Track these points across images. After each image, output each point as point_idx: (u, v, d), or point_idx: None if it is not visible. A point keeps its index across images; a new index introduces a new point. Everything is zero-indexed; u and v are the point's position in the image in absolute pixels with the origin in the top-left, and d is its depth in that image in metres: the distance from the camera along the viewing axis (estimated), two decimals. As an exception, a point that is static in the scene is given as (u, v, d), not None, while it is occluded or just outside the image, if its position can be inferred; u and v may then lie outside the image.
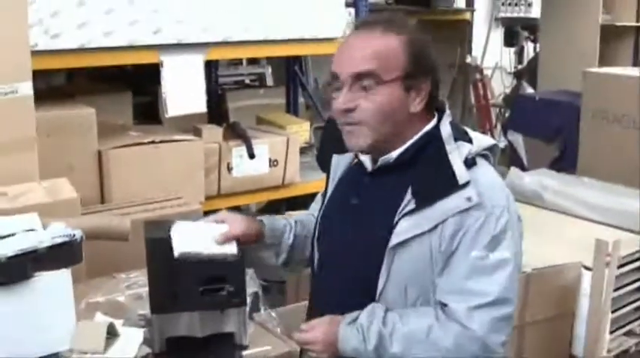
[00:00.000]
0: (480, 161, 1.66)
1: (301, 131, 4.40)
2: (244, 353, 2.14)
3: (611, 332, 3.61)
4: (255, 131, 4.14)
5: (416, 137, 1.68)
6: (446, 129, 1.67)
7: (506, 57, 7.65)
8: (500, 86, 7.64)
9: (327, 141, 1.90)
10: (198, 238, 1.83)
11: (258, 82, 5.92)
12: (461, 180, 1.58)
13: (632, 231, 3.85)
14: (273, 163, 3.98)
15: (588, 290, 3.46)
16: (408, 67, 1.62)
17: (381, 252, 1.63)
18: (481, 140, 1.69)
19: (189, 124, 3.90)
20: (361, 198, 1.74)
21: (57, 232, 1.80)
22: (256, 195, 4.03)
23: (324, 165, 1.89)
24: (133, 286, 2.52)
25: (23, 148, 2.71)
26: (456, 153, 1.63)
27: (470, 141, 1.67)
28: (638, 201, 4.16)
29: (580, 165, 5.15)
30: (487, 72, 7.42)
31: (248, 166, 3.88)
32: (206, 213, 3.26)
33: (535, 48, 7.25)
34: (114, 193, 3.37)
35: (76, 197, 2.67)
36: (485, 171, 1.65)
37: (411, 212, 1.60)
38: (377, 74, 1.60)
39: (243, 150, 3.86)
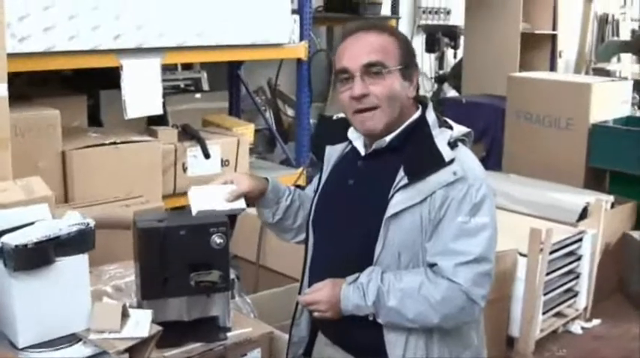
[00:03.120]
0: (460, 144, 1.91)
1: (247, 132, 4.56)
2: (229, 334, 2.31)
3: (543, 313, 3.93)
4: (204, 133, 4.28)
5: (405, 124, 1.92)
6: (431, 117, 1.93)
7: (427, 63, 7.97)
8: (421, 90, 7.93)
9: (321, 134, 2.11)
10: (211, 198, 2.02)
11: (193, 87, 6.03)
12: (447, 158, 1.83)
13: (556, 221, 4.18)
14: (224, 163, 4.15)
15: (523, 274, 3.76)
16: (403, 59, 1.89)
17: (378, 223, 1.84)
18: (460, 127, 1.95)
19: (131, 127, 3.98)
20: (357, 179, 1.97)
21: (74, 220, 1.94)
22: (209, 194, 4.15)
23: (320, 156, 2.12)
24: (113, 278, 2.65)
25: (-2, 148, 2.79)
26: (441, 137, 1.88)
27: (450, 127, 1.93)
28: (562, 194, 4.52)
29: (505, 162, 5.51)
30: (410, 77, 7.68)
31: (202, 166, 4.04)
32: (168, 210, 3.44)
33: (455, 54, 7.60)
34: (76, 192, 3.47)
35: (51, 195, 2.77)
36: (465, 151, 1.91)
37: (405, 186, 1.83)
38: (383, 63, 1.85)
39: (197, 150, 4.02)
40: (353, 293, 1.85)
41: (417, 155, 1.86)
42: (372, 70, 1.85)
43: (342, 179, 2.00)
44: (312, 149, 2.07)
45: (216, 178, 2.08)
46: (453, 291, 1.80)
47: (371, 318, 1.86)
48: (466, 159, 1.86)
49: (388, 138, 1.91)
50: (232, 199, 2.00)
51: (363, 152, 1.97)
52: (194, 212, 2.00)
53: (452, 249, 1.80)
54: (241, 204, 2.01)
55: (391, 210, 1.82)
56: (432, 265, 1.83)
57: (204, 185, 2.07)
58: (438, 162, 1.82)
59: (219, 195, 2.01)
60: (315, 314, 1.93)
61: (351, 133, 2.00)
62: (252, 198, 2.06)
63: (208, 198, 2.01)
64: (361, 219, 1.89)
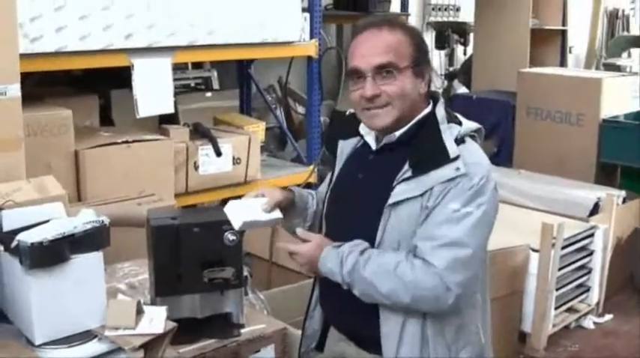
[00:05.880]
0: (468, 140, 1.92)
1: (259, 130, 4.58)
2: (242, 331, 2.32)
3: (556, 309, 3.93)
4: (215, 131, 4.30)
5: (415, 120, 1.94)
6: (440, 113, 1.94)
7: (437, 59, 7.95)
8: (432, 87, 7.92)
9: (334, 129, 2.13)
10: (249, 210, 2.06)
11: (204, 86, 6.06)
12: (452, 154, 1.85)
13: (568, 216, 4.17)
14: (236, 161, 4.16)
15: (536, 270, 3.77)
16: (415, 57, 1.90)
17: (380, 211, 1.88)
18: (469, 123, 1.97)
19: (143, 126, 4.00)
20: (366, 173, 2.00)
21: (88, 218, 1.95)
22: (220, 192, 4.18)
23: (332, 150, 2.16)
24: (127, 276, 2.67)
25: (11, 148, 2.80)
26: (448, 133, 1.89)
27: (459, 123, 1.94)
28: (573, 189, 4.52)
29: (516, 158, 5.52)
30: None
31: (213, 164, 4.06)
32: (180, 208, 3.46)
33: (465, 51, 7.60)
34: (89, 191, 3.48)
35: (64, 194, 2.79)
36: (471, 148, 1.92)
37: (408, 179, 1.86)
38: (394, 63, 1.87)
39: (208, 149, 4.03)
40: (331, 259, 1.91)
41: (423, 150, 1.89)
42: (384, 70, 1.87)
43: (353, 173, 2.03)
44: (325, 144, 2.10)
45: (247, 193, 2.14)
46: (426, 273, 1.81)
47: (345, 288, 1.90)
48: (471, 155, 1.87)
49: (398, 133, 1.93)
50: (269, 210, 2.04)
51: (374, 146, 1.99)
52: (237, 225, 2.04)
53: (434, 234, 1.82)
54: (278, 213, 2.06)
55: (392, 198, 1.86)
56: (415, 247, 1.86)
57: (238, 200, 2.11)
58: (442, 158, 1.84)
59: (256, 207, 2.05)
60: (295, 263, 2.02)
61: (363, 128, 2.02)
62: (285, 208, 2.10)
63: (246, 211, 2.06)
64: (366, 209, 1.93)
